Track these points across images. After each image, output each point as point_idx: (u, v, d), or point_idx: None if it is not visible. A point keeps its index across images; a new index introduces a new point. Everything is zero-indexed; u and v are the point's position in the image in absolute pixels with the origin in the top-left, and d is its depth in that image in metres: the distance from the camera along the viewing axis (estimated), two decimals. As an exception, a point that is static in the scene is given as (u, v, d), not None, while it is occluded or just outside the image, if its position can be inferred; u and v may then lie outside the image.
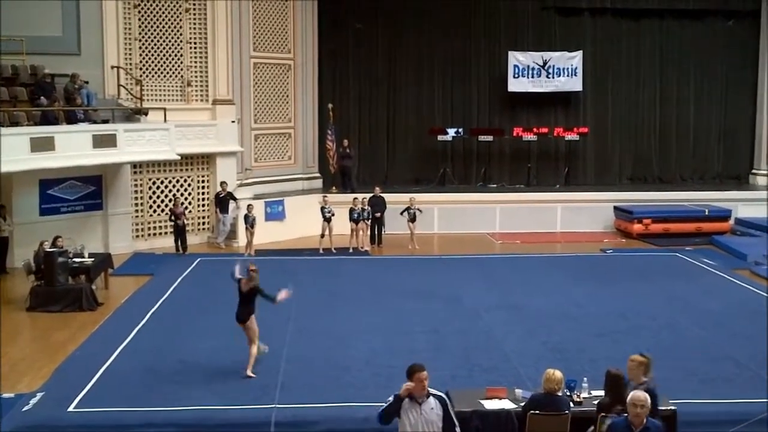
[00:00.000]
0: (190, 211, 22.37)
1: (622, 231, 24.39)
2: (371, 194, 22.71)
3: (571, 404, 8.94)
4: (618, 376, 8.49)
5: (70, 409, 10.45)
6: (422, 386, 7.19)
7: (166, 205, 22.18)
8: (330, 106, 25.22)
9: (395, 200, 22.84)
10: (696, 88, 28.26)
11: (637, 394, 7.35)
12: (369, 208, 22.16)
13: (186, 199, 22.22)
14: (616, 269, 19.53)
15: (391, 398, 7.29)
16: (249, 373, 11.67)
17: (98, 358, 12.44)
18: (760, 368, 11.99)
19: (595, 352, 12.60)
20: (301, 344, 13.21)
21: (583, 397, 9.32)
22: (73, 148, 18.90)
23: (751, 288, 17.59)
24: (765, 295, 16.83)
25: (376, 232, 22.57)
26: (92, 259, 17.03)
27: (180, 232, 21.12)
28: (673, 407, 9.35)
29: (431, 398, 7.26)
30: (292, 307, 15.56)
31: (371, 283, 18.11)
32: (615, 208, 24.84)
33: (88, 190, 20.62)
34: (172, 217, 21.14)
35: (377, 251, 22.09)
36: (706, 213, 24.09)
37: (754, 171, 27.83)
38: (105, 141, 19.50)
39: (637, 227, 23.69)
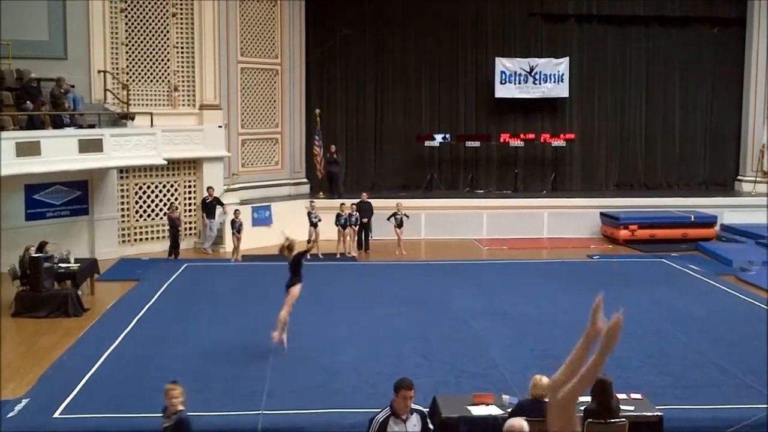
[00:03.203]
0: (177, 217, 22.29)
1: (608, 237, 24.48)
2: (358, 200, 22.71)
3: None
4: (605, 382, 8.51)
5: (56, 415, 10.40)
6: (405, 404, 7.28)
7: (153, 210, 22.12)
8: (317, 111, 25.21)
9: (382, 206, 22.85)
10: (682, 95, 28.41)
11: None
12: (356, 214, 22.16)
13: (173, 204, 22.11)
14: (602, 275, 19.56)
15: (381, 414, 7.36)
16: (276, 336, 12.75)
17: (84, 364, 12.38)
18: (745, 374, 12.05)
19: (582, 358, 12.60)
20: (288, 350, 13.17)
21: (570, 404, 9.32)
22: (59, 152, 18.79)
23: (736, 294, 17.66)
24: (750, 301, 16.93)
25: (363, 238, 22.58)
26: (78, 265, 16.95)
27: (175, 238, 21.09)
28: (659, 413, 9.38)
29: (414, 415, 7.41)
30: (278, 312, 15.57)
31: (358, 288, 18.10)
32: (601, 214, 24.92)
33: (74, 195, 20.53)
34: (170, 223, 21.16)
35: (364, 257, 22.09)
36: (692, 219, 24.20)
37: (739, 177, 27.97)
38: (91, 146, 19.40)
39: (623, 233, 23.78)
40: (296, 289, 12.96)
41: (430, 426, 7.68)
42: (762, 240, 22.77)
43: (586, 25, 27.97)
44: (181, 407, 7.98)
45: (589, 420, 8.45)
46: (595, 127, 28.21)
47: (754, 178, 26.90)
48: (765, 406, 10.46)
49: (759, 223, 24.57)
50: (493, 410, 9.28)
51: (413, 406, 7.41)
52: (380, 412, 7.47)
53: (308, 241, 21.33)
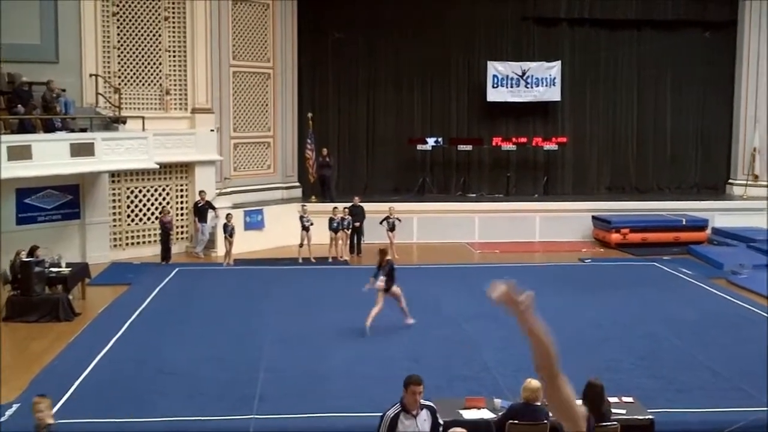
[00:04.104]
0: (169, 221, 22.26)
1: (600, 240, 24.52)
2: (351, 203, 22.71)
3: (550, 414, 8.95)
4: (597, 386, 8.52)
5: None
6: (414, 399, 7.38)
7: (144, 214, 22.10)
8: (309, 115, 25.20)
9: (375, 209, 22.85)
10: (673, 99, 28.50)
11: None
12: (348, 218, 22.15)
13: (165, 208, 22.06)
14: (594, 279, 19.62)
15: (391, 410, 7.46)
16: (409, 321, 14.75)
17: (75, 368, 12.36)
18: (736, 377, 12.09)
19: (574, 362, 12.49)
20: (280, 354, 13.19)
21: (562, 407, 9.32)
22: (51, 156, 18.76)
23: (727, 297, 17.71)
24: (742, 304, 16.98)
25: (355, 242, 22.57)
26: (69, 269, 16.92)
27: (166, 242, 21.07)
28: (650, 416, 9.41)
29: (424, 410, 7.55)
30: (271, 316, 15.60)
31: (350, 292, 18.03)
32: (593, 217, 24.97)
33: (66, 199, 20.47)
34: (162, 227, 21.14)
35: (356, 260, 22.08)
36: (684, 223, 24.27)
37: (730, 181, 28.06)
38: (83, 150, 19.37)
39: (615, 237, 23.82)
40: (396, 288, 14.73)
41: (440, 421, 7.74)
42: (753, 243, 22.86)
43: (578, 29, 28.05)
44: (50, 420, 7.84)
45: (581, 423, 8.45)
46: (587, 131, 28.28)
47: (745, 182, 26.98)
48: (756, 409, 10.48)
49: (750, 226, 24.71)
50: (485, 414, 9.29)
51: (422, 401, 7.49)
52: (390, 408, 7.52)
53: (300, 245, 21.39)
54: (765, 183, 26.64)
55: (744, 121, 27.42)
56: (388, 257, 14.93)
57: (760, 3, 26.63)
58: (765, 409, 9.80)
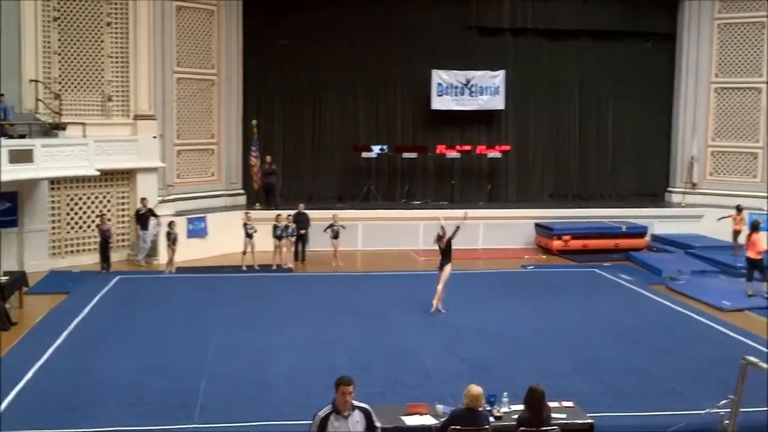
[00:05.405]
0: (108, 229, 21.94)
1: (542, 247, 24.80)
2: (295, 211, 22.64)
3: (492, 419, 9.03)
4: (539, 391, 8.61)
5: (-18, 431, 10.15)
6: (345, 400, 7.34)
7: (84, 222, 21.77)
8: (254, 122, 25.04)
9: (319, 217, 22.83)
10: (614, 108, 28.95)
11: None
12: (293, 225, 22.07)
13: (104, 215, 21.72)
14: (536, 285, 19.83)
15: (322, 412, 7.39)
16: (438, 307, 16.41)
17: (12, 378, 12.08)
18: (674, 381, 12.32)
19: (515, 368, 12.76)
20: (223, 362, 13.08)
21: (503, 412, 9.42)
22: (-12, 163, 18.42)
23: (666, 303, 18.04)
24: (679, 309, 17.32)
25: (299, 249, 22.51)
26: (6, 277, 16.55)
27: (105, 250, 20.79)
28: (590, 421, 9.53)
29: (356, 411, 7.50)
30: (214, 324, 15.48)
31: (294, 300, 18.04)
32: (536, 224, 25.26)
33: (3, 206, 20.01)
34: (101, 235, 20.85)
35: (301, 268, 22.02)
36: (624, 230, 24.65)
37: (669, 189, 28.58)
38: (21, 156, 18.99)
39: (557, 243, 24.12)
40: (448, 268, 16.65)
41: (377, 423, 7.70)
42: (691, 250, 23.32)
43: (521, 38, 28.32)
44: None
45: (522, 429, 8.54)
46: (530, 139, 28.57)
47: (683, 190, 27.51)
48: (693, 412, 10.68)
49: (688, 233, 25.23)
50: (428, 420, 9.32)
51: (356, 403, 7.46)
52: (322, 409, 7.50)
53: (243, 253, 21.26)
54: (702, 191, 27.21)
55: (682, 130, 27.96)
56: (446, 237, 16.81)
57: (698, 15, 27.23)
58: (702, 412, 9.97)
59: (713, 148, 27.45)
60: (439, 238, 17.02)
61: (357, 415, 7.45)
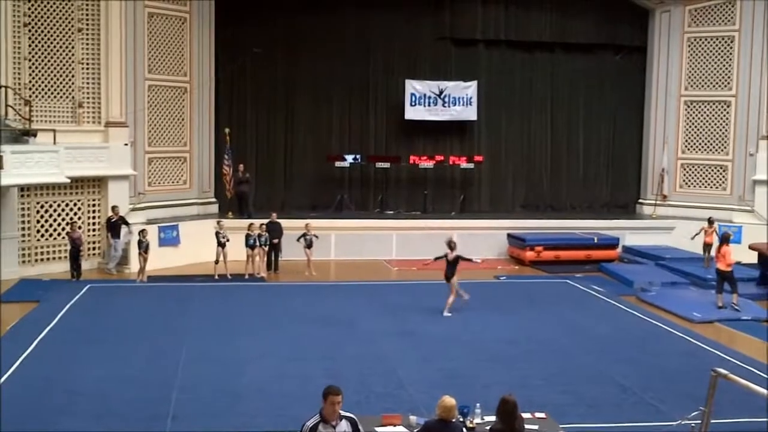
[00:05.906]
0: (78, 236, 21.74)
1: (515, 258, 24.89)
2: (268, 220, 22.56)
3: (465, 430, 9.01)
4: (511, 402, 8.60)
5: (-51, 442, 10.01)
6: (333, 409, 7.39)
7: (54, 230, 21.55)
8: (227, 130, 24.93)
9: (292, 226, 22.77)
10: (586, 119, 29.17)
11: None
12: (266, 234, 21.99)
13: (74, 222, 21.51)
14: (508, 296, 19.90)
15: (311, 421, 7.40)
16: (464, 295, 17.80)
17: (-20, 388, 11.95)
18: (644, 392, 12.39)
19: (488, 378, 12.78)
20: (194, 372, 12.99)
21: (476, 423, 9.40)
22: (-43, 169, 18.19)
23: (637, 314, 18.17)
24: (650, 320, 17.45)
25: (272, 258, 22.44)
26: (-25, 285, 16.39)
27: (75, 258, 20.58)
28: (562, 431, 9.54)
29: (343, 421, 7.53)
30: (186, 333, 15.37)
31: (267, 309, 17.97)
32: (508, 235, 25.35)
33: (-28, 213, 19.86)
34: (71, 242, 20.65)
35: (273, 277, 21.95)
36: (595, 241, 24.82)
37: (640, 200, 28.82)
38: (-9, 163, 18.83)
39: (529, 254, 24.22)
40: (455, 280, 17.69)
41: (362, 431, 7.74)
42: (662, 261, 23.50)
43: (494, 49, 28.47)
44: None
45: (495, 439, 8.53)
46: (503, 150, 28.71)
47: (654, 202, 27.74)
48: (664, 423, 10.75)
49: (659, 245, 25.44)
50: (401, 431, 9.29)
51: (342, 412, 7.47)
52: (310, 419, 7.48)
53: (215, 261, 21.15)
54: (673, 203, 27.45)
55: (653, 141, 28.21)
56: (454, 254, 17.84)
57: (669, 28, 27.51)
58: (673, 423, 10.05)
59: (683, 161, 27.69)
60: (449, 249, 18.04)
61: (344, 425, 7.50)
